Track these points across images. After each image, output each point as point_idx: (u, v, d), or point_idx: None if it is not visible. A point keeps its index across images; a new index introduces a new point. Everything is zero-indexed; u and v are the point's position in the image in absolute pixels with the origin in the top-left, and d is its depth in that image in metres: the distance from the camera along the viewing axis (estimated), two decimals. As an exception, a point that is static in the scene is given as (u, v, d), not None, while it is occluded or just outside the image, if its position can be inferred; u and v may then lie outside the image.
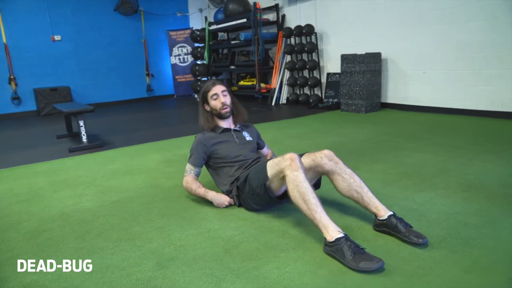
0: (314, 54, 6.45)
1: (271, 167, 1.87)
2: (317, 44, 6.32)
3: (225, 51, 8.28)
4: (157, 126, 5.23)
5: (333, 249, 1.56)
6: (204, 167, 2.31)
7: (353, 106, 5.52)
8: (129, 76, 8.56)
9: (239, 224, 1.92)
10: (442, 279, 1.40)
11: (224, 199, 2.15)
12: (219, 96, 2.28)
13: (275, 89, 6.97)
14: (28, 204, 2.38)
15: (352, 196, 1.84)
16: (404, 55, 5.26)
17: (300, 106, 6.54)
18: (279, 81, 6.94)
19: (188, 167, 2.26)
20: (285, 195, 1.90)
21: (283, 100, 7.01)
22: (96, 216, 2.11)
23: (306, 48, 6.34)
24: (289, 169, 1.73)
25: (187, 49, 8.89)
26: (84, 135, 3.84)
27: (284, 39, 6.84)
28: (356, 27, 5.79)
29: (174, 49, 8.87)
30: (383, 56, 5.46)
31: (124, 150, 3.79)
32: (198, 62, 8.56)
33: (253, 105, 6.98)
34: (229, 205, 2.14)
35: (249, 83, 7.40)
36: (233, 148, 2.26)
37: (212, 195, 2.17)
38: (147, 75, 8.80)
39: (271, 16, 7.21)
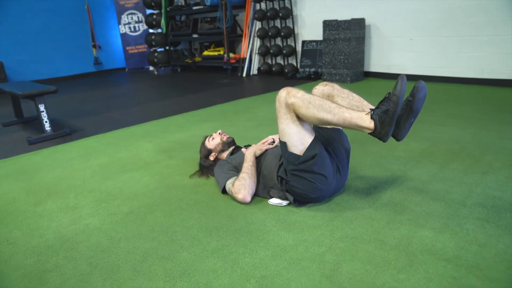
0: (288, 21, 5.99)
1: (280, 121, 1.67)
2: (291, 9, 5.84)
3: (183, 18, 7.48)
4: (124, 106, 4.51)
5: (379, 128, 1.47)
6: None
7: (337, 76, 5.21)
8: (72, 49, 7.44)
9: (316, 235, 1.51)
10: None
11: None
12: (214, 135, 2.23)
13: (245, 59, 6.44)
14: (4, 226, 1.75)
15: None
16: (388, 21, 5.00)
17: (274, 76, 6.11)
18: (249, 50, 6.41)
19: (228, 183, 1.86)
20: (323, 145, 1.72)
21: (254, 70, 6.52)
22: (115, 239, 1.57)
23: (280, 14, 5.84)
24: (290, 97, 1.60)
25: (138, 17, 7.91)
26: (46, 122, 3.09)
27: (253, 4, 6.26)
28: (335, -10, 5.39)
29: (122, 16, 7.84)
30: (366, 22, 5.16)
31: (101, 138, 3.12)
32: (151, 30, 7.67)
33: (222, 76, 6.42)
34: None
35: (215, 53, 6.77)
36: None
37: (249, 150, 1.94)
38: (94, 46, 7.73)
39: (237, -22, 6.54)
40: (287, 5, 5.87)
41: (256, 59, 6.49)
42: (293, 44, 6.06)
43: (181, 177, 2.19)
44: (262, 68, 6.40)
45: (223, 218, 1.69)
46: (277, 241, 1.48)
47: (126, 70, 8.22)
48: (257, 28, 6.28)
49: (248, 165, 1.85)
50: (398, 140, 1.55)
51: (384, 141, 1.49)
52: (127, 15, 7.86)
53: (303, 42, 5.99)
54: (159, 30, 7.43)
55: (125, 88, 6.13)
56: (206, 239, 1.53)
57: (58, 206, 1.92)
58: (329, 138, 1.77)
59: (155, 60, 7.33)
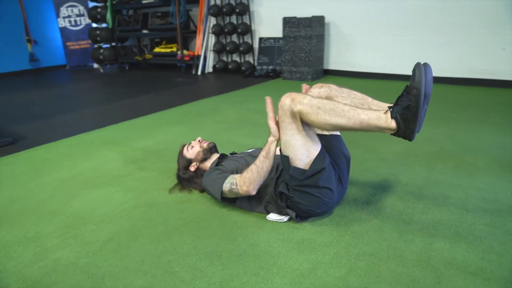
0: (245, 17, 5.82)
1: (284, 131, 1.49)
2: (248, 5, 5.69)
3: (131, 12, 7.01)
4: (73, 109, 4.06)
5: (403, 127, 1.33)
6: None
7: (298, 74, 5.16)
8: (3, 43, 6.64)
9: (330, 254, 1.38)
10: None
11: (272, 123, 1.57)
12: (193, 143, 2.00)
13: (200, 56, 6.17)
14: None
15: None
16: (347, 19, 5.04)
17: (231, 74, 5.92)
18: (204, 47, 6.15)
19: (227, 182, 1.66)
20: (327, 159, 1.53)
21: (209, 68, 6.28)
22: (98, 277, 1.31)
23: (237, 10, 5.66)
24: (296, 104, 1.43)
25: (79, 10, 7.27)
26: (-17, 131, 2.65)
27: (207, -2, 6.01)
28: (293, -13, 5.32)
29: (61, 9, 7.16)
30: (325, 20, 5.15)
31: (53, 147, 2.74)
32: (95, 25, 7.10)
33: (176, 75, 6.10)
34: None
35: (168, 50, 6.42)
36: (241, 160, 1.87)
37: (271, 138, 1.57)
38: (28, 41, 6.97)
39: (189, -29, 6.23)
40: (244, 0, 5.70)
41: (211, 57, 6.25)
42: (250, 41, 5.91)
43: (159, 192, 1.95)
44: (217, 65, 6.18)
45: (221, 241, 1.49)
46: (290, 265, 1.33)
47: (67, 67, 7.54)
48: (211, 24, 6.04)
49: (261, 156, 1.58)
50: (418, 131, 1.38)
51: (410, 140, 1.34)
52: (67, 7, 7.19)
53: (260, 39, 5.86)
54: (104, 25, 6.89)
55: (70, 88, 5.58)
56: (209, 268, 1.33)
57: (14, 237, 1.59)
58: (328, 146, 1.63)
59: (101, 57, 6.79)
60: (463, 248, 1.39)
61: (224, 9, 5.76)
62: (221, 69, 6.16)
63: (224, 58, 6.30)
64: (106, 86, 5.59)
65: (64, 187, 2.05)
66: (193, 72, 6.22)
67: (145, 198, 1.89)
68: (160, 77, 6.02)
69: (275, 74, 5.54)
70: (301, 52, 5.02)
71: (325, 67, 5.39)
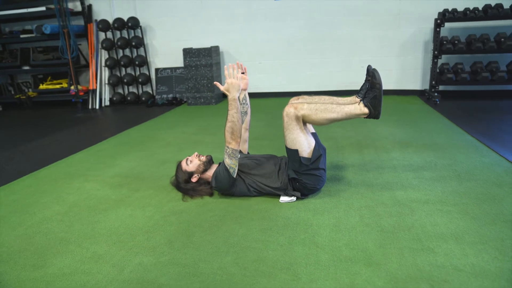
0: (140, 50, 6.04)
1: (291, 132, 2.02)
2: (143, 38, 5.95)
3: None
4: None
5: (373, 111, 1.97)
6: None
7: (202, 99, 5.66)
8: None
9: (341, 212, 1.96)
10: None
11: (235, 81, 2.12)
12: (190, 158, 2.28)
13: (95, 90, 6.08)
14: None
15: None
16: (239, 48, 5.82)
17: (131, 106, 6.03)
18: (98, 81, 6.09)
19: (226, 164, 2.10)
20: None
21: (105, 102, 6.22)
22: (191, 264, 1.58)
23: (133, 43, 5.86)
24: (299, 110, 1.99)
25: None
26: None
27: (96, 32, 6.01)
28: (185, 21, 5.85)
29: None
30: (220, 49, 5.83)
31: (11, 188, 2.56)
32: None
33: (72, 111, 5.85)
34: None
35: (57, 86, 6.09)
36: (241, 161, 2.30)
37: (230, 96, 2.11)
38: None
39: (71, 5, 6.11)
40: (138, 34, 5.93)
41: (106, 90, 6.22)
42: (147, 72, 6.14)
43: (174, 203, 2.21)
44: (114, 98, 6.18)
45: (262, 221, 1.92)
46: (323, 223, 1.86)
47: None
48: (104, 58, 6.05)
49: (233, 113, 2.06)
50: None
51: (378, 118, 2.02)
52: None
53: (157, 69, 6.16)
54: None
55: None
56: (271, 237, 1.75)
57: (73, 260, 1.67)
58: None
59: (-32, 99, 5.95)
60: (412, 192, 2.16)
61: (119, 43, 5.87)
62: (119, 102, 6.18)
63: (120, 91, 6.33)
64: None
65: (73, 217, 2.10)
66: (90, 107, 6.07)
67: (166, 209, 2.13)
68: (56, 114, 5.67)
69: (177, 102, 5.92)
70: (204, 79, 5.55)
71: (225, 91, 6.01)
